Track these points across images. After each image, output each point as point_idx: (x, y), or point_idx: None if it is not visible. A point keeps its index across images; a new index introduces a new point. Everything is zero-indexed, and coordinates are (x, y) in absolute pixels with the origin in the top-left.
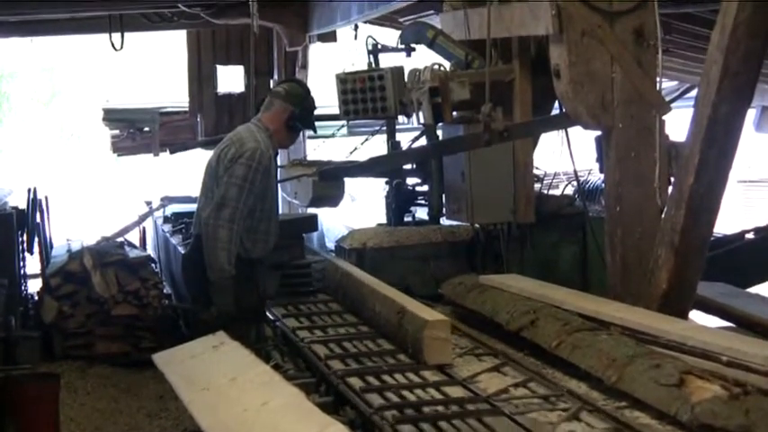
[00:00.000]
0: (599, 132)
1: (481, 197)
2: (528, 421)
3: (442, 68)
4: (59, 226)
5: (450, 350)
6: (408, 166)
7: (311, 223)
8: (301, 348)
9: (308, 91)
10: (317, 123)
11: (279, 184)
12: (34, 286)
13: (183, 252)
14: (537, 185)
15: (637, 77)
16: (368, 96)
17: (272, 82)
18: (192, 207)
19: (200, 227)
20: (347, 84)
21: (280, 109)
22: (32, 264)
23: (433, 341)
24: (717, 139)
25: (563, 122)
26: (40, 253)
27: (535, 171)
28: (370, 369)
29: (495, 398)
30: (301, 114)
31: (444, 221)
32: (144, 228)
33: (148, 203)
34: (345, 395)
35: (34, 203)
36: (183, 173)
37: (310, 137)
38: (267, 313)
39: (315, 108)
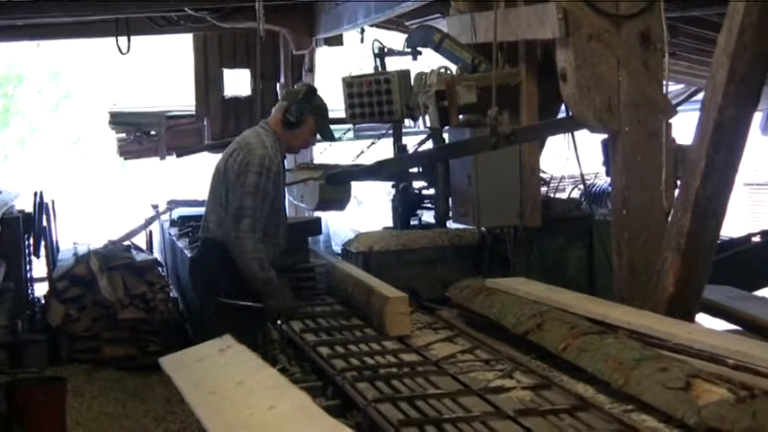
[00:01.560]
0: (605, 136)
1: (488, 200)
2: (468, 379)
3: (448, 72)
4: (66, 229)
5: (408, 323)
6: (415, 170)
7: (315, 227)
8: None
9: (311, 91)
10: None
11: (286, 188)
12: (41, 290)
13: (189, 255)
14: (543, 189)
15: (643, 81)
16: (374, 100)
17: (278, 85)
18: (199, 210)
19: (208, 230)
20: (353, 87)
21: (279, 108)
22: (39, 267)
23: (394, 315)
24: (723, 143)
25: (569, 126)
26: (47, 256)
27: (542, 174)
28: (338, 340)
29: (443, 361)
30: (294, 109)
31: (451, 225)
32: (150, 231)
33: (155, 207)
34: (315, 361)
35: (41, 207)
36: (190, 176)
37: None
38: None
39: (312, 101)
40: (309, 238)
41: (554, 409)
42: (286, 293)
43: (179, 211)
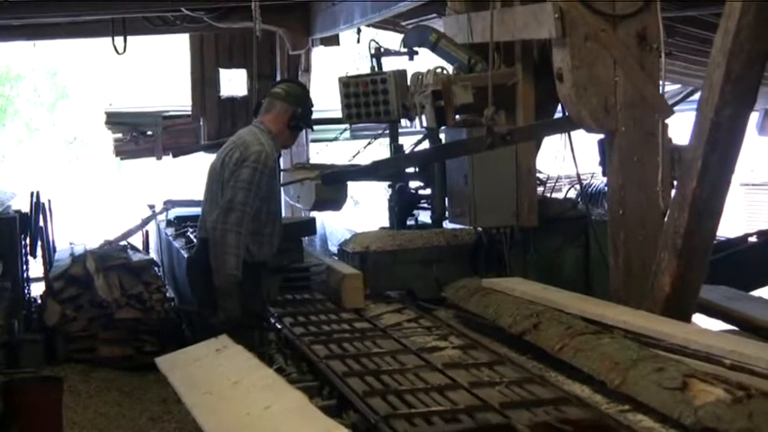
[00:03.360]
0: (602, 136)
1: (484, 201)
2: (408, 341)
3: (444, 72)
4: (62, 229)
5: (362, 297)
6: (411, 170)
7: (309, 227)
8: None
9: (306, 90)
10: (319, 127)
11: (282, 188)
12: (37, 290)
13: (186, 255)
14: (540, 189)
15: (640, 81)
16: (371, 100)
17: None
18: (196, 210)
19: (206, 231)
20: (350, 87)
21: (281, 110)
22: (36, 267)
23: (350, 290)
24: (719, 143)
25: (566, 126)
26: (43, 256)
27: (538, 175)
28: (300, 311)
29: (390, 328)
30: (303, 114)
31: (447, 225)
32: (147, 231)
33: (151, 207)
34: (280, 330)
35: (37, 207)
36: (186, 176)
37: (313, 140)
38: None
39: (312, 106)
40: (304, 239)
41: (476, 363)
42: (239, 302)
43: (175, 212)
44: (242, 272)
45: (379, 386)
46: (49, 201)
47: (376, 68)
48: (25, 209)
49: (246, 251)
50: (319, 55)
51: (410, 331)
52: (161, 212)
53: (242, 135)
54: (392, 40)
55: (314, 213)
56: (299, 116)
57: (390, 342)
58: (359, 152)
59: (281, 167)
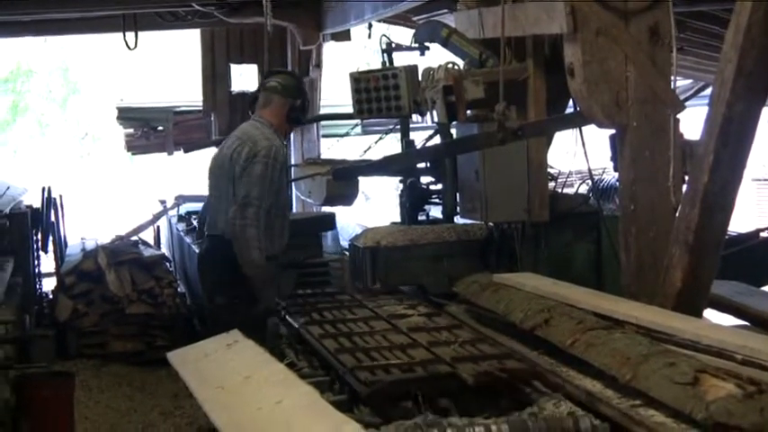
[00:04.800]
0: (613, 131)
1: (495, 196)
2: (381, 310)
3: (456, 67)
4: (74, 225)
5: None
6: (422, 165)
7: (328, 222)
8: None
9: (300, 81)
10: (330, 122)
11: (293, 183)
12: (49, 285)
13: (197, 252)
14: (551, 184)
15: (651, 76)
16: (382, 95)
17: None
18: None
19: (218, 229)
20: (361, 83)
21: (279, 104)
22: (47, 262)
23: None
24: (731, 138)
25: (577, 121)
26: (55, 252)
27: (549, 170)
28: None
29: (366, 299)
30: (301, 106)
31: (458, 220)
32: (158, 227)
33: (162, 202)
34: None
35: (49, 202)
36: (197, 172)
37: (325, 135)
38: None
39: (307, 95)
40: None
41: (437, 327)
42: (275, 290)
43: (186, 207)
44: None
45: (349, 345)
46: (61, 196)
47: (387, 64)
48: (37, 204)
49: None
50: (330, 50)
51: (384, 302)
52: (172, 207)
53: (246, 131)
54: (403, 35)
55: (325, 208)
56: (298, 108)
57: (365, 311)
58: (370, 147)
59: (292, 162)
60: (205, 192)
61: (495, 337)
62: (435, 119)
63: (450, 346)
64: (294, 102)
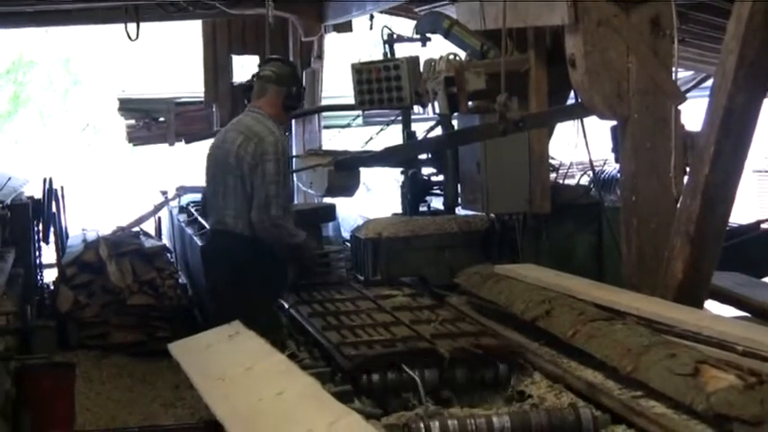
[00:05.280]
0: (614, 122)
1: (496, 187)
2: (369, 291)
3: (457, 58)
4: (75, 216)
5: None
6: (424, 156)
7: (329, 213)
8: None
9: (295, 68)
10: (332, 113)
11: (294, 174)
12: (50, 276)
13: (200, 244)
14: (552, 175)
15: (652, 67)
16: (383, 86)
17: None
18: None
19: (223, 223)
20: (362, 74)
21: (274, 93)
22: (48, 253)
23: None
24: (732, 129)
25: (578, 112)
26: (56, 243)
27: (550, 161)
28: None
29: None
30: (296, 93)
31: (460, 211)
32: (159, 218)
33: (164, 193)
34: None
35: (50, 193)
36: (199, 163)
37: (326, 126)
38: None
39: (302, 82)
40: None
41: (419, 306)
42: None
43: (188, 198)
44: (261, 257)
45: (335, 323)
46: (62, 187)
47: (389, 55)
48: (38, 195)
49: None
50: (332, 41)
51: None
52: (173, 198)
53: (248, 125)
54: (405, 26)
55: (326, 199)
56: (294, 96)
57: (354, 292)
58: (371, 138)
59: (294, 153)
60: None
61: (496, 328)
62: (437, 110)
63: (431, 324)
64: (289, 90)
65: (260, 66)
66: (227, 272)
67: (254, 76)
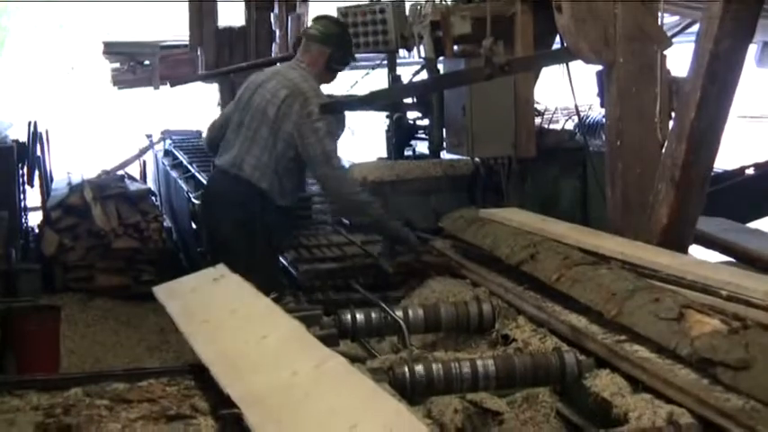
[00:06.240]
0: (600, 67)
1: (482, 131)
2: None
3: (443, 2)
4: (60, 159)
5: None
6: (409, 100)
7: None
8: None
9: (343, 27)
10: None
11: None
12: (35, 219)
13: (185, 188)
14: (538, 120)
15: (639, 12)
16: (369, 30)
17: (272, 16)
18: (193, 141)
19: (239, 168)
20: (348, 17)
21: (317, 52)
22: (33, 196)
23: None
24: (718, 75)
25: (564, 57)
26: (41, 186)
27: (536, 106)
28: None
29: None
30: (339, 55)
31: (445, 155)
32: (144, 161)
33: (149, 137)
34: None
35: (35, 136)
36: (183, 106)
37: None
38: None
39: (351, 43)
40: None
41: (379, 240)
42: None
43: (173, 140)
44: (276, 211)
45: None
46: (47, 130)
47: None
48: (23, 138)
49: (284, 192)
50: None
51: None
52: (158, 142)
53: (293, 79)
54: None
55: None
56: (336, 59)
57: (341, 238)
58: (357, 82)
59: None
60: (191, 127)
61: (480, 272)
62: (422, 54)
63: (379, 244)
64: (334, 51)
65: (313, 20)
66: (231, 215)
67: (303, 31)
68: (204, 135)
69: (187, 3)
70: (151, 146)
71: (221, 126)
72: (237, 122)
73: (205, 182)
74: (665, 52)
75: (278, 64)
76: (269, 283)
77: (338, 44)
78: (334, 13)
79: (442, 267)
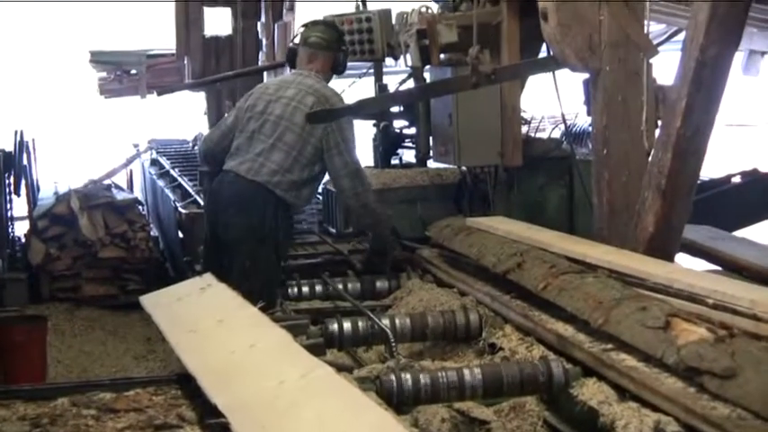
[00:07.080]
0: (586, 75)
1: (468, 140)
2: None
3: (429, 11)
4: (46, 168)
5: None
6: (396, 109)
7: None
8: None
9: (339, 29)
10: None
11: None
12: (21, 228)
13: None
14: (524, 128)
15: (625, 20)
16: (355, 39)
17: (259, 24)
18: (181, 150)
19: (256, 173)
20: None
21: (324, 59)
22: (19, 206)
23: None
24: (704, 83)
25: (550, 65)
26: (27, 195)
27: (522, 114)
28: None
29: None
30: (343, 57)
31: (431, 164)
32: (131, 170)
33: (135, 146)
34: None
35: (21, 146)
36: (170, 115)
37: None
38: None
39: (347, 44)
40: None
41: (347, 233)
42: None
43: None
44: (285, 218)
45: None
46: (33, 140)
47: (361, 7)
48: (9, 148)
49: (299, 199)
50: None
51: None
52: (145, 151)
53: (314, 87)
54: None
55: None
56: (341, 61)
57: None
58: (343, 91)
59: None
60: (178, 136)
61: (467, 281)
62: (409, 62)
63: (350, 243)
64: (337, 54)
65: (304, 28)
66: (241, 219)
67: (301, 41)
68: (199, 147)
69: (174, 12)
70: (138, 155)
71: (221, 138)
72: (252, 131)
73: (204, 183)
74: (651, 60)
75: (286, 73)
76: (267, 290)
77: (341, 48)
78: None
79: (403, 260)
